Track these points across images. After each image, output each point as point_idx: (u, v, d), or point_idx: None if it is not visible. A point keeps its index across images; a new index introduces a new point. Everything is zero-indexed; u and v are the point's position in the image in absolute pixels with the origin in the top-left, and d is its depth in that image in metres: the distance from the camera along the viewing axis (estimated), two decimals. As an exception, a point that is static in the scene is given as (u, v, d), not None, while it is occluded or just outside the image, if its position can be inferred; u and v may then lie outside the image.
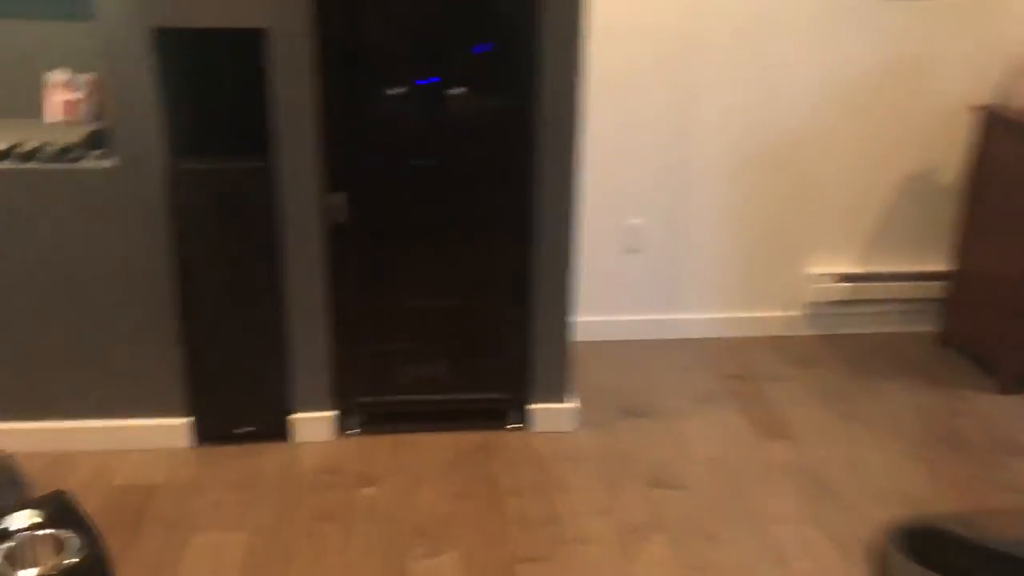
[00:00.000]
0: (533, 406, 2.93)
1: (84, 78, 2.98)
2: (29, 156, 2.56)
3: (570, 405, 2.95)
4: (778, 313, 3.62)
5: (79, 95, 2.98)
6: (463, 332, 2.88)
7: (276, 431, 2.85)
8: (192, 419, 2.81)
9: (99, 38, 2.46)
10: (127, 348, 2.71)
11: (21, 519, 1.37)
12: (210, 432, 2.83)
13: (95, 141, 2.69)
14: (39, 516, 1.38)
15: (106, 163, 2.57)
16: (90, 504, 2.55)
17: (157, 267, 2.64)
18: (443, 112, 2.68)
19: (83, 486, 2.62)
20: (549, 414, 2.94)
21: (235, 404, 2.81)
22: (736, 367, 3.40)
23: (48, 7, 2.92)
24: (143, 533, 2.44)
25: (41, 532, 1.34)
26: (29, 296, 2.63)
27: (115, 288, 2.65)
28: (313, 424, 2.86)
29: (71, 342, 2.69)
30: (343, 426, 2.90)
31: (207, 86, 2.59)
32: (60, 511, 1.40)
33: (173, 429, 2.80)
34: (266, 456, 2.79)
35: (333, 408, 2.87)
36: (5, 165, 2.54)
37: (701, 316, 3.58)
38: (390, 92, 2.64)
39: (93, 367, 2.72)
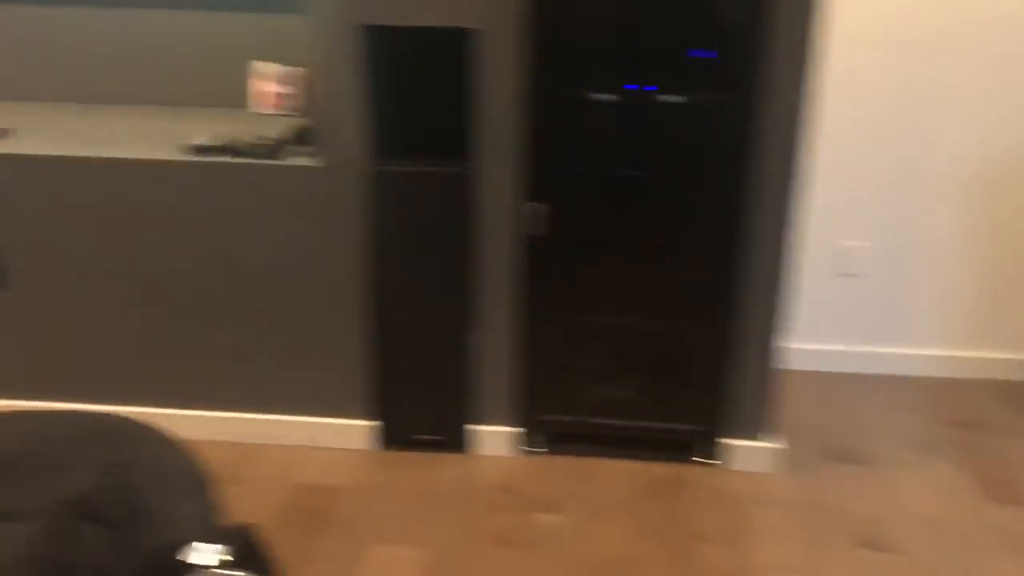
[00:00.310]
0: (729, 441, 2.71)
1: (294, 72, 2.99)
2: (236, 151, 2.58)
3: (770, 444, 2.71)
4: (1012, 355, 3.21)
5: (288, 89, 3.00)
6: (657, 355, 2.70)
7: (457, 441, 2.78)
8: (376, 423, 2.77)
9: (309, 33, 2.43)
10: (318, 347, 2.70)
11: (205, 554, 1.32)
12: (392, 437, 2.78)
13: (300, 137, 2.68)
14: (224, 552, 1.32)
15: (311, 161, 2.55)
16: (273, 500, 2.58)
17: (352, 268, 2.61)
18: (653, 121, 2.49)
19: (268, 480, 2.64)
20: (746, 452, 2.71)
21: (419, 411, 2.75)
22: (960, 414, 3.04)
23: (267, 1, 2.94)
24: (322, 537, 2.42)
25: (224, 573, 1.28)
26: (226, 289, 2.66)
27: (310, 287, 2.64)
28: (495, 438, 2.76)
29: (263, 337, 2.70)
30: (526, 443, 2.79)
31: (409, 86, 2.51)
32: (245, 549, 1.34)
33: (358, 431, 2.77)
34: (446, 467, 2.72)
35: (516, 424, 2.76)
36: (216, 158, 2.56)
37: (922, 352, 3.23)
38: (597, 98, 2.48)
39: (283, 363, 2.73)
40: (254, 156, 2.56)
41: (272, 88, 3.02)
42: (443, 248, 2.57)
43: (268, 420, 2.79)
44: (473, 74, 2.43)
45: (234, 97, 3.01)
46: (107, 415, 1.96)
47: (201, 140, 2.60)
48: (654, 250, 2.59)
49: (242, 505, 2.48)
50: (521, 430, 2.77)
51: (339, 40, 2.40)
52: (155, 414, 2.77)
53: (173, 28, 2.99)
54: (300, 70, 2.97)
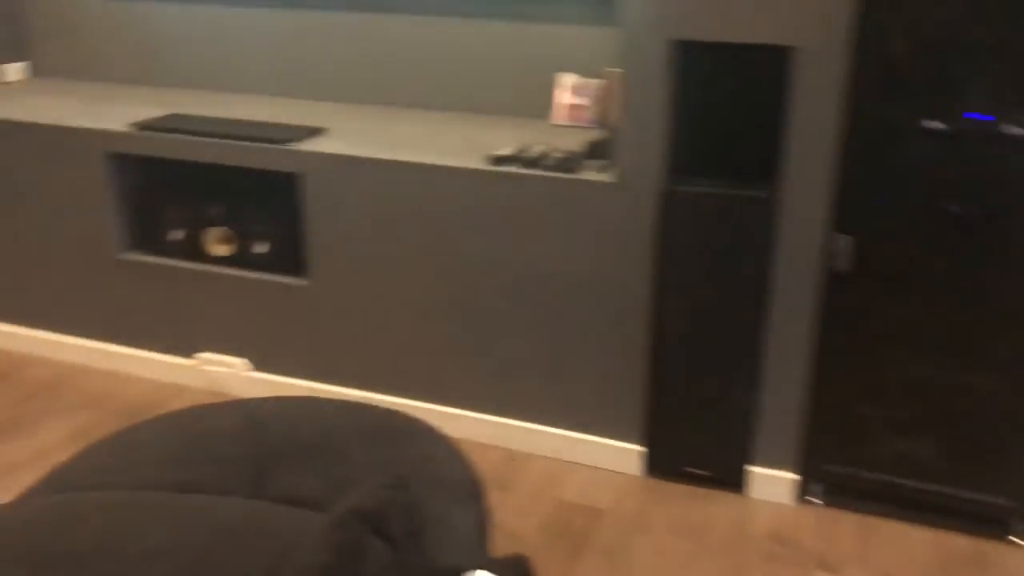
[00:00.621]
0: (1049, 523, 2.37)
1: (593, 83, 2.97)
2: (533, 162, 2.58)
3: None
4: None
5: (586, 100, 2.99)
6: (970, 412, 2.40)
7: (730, 480, 2.63)
8: (646, 448, 2.68)
9: (616, 45, 2.38)
10: (594, 364, 2.65)
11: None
12: (661, 465, 2.68)
13: (595, 150, 2.64)
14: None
15: (605, 176, 2.50)
16: (538, 513, 2.57)
17: (637, 288, 2.53)
18: (993, 154, 2.21)
19: (534, 492, 2.62)
20: (1070, 538, 2.36)
21: (692, 442, 2.63)
22: None
23: (570, 12, 2.95)
24: (583, 560, 2.36)
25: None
26: (510, 296, 2.67)
27: (591, 303, 2.60)
28: (772, 482, 2.58)
29: (541, 347, 2.69)
30: (804, 491, 2.59)
31: (713, 103, 2.40)
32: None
33: (626, 454, 2.70)
34: (716, 506, 2.58)
35: (796, 470, 2.57)
36: (510, 169, 2.57)
37: None
38: (928, 125, 2.24)
39: (556, 375, 2.71)
40: (550, 168, 2.55)
41: (572, 100, 3.01)
42: (736, 276, 2.44)
43: (535, 430, 2.78)
44: (787, 93, 2.28)
45: (536, 107, 3.05)
46: (394, 413, 2.02)
47: (503, 151, 2.63)
48: (978, 294, 2.30)
49: (507, 516, 2.50)
50: (799, 477, 2.57)
51: (645, 53, 2.33)
52: (428, 409, 2.87)
53: (480, 37, 3.07)
54: (600, 82, 2.95)
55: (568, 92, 3.02)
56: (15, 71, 3.61)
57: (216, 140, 2.83)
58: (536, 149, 2.67)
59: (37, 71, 3.69)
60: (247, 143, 2.80)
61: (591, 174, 2.53)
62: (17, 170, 3.14)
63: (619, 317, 2.58)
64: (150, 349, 3.19)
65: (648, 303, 2.54)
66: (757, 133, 2.38)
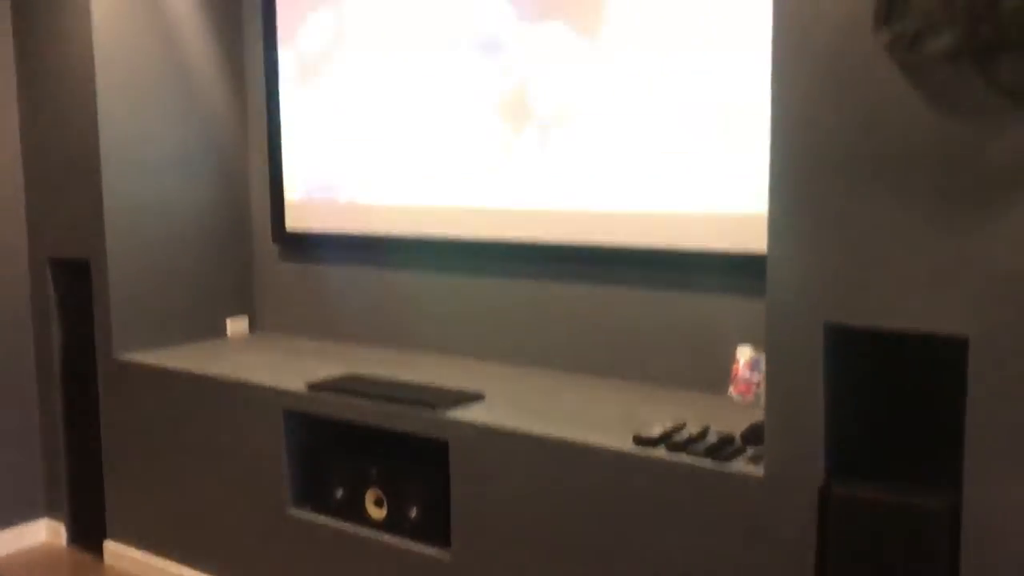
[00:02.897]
0: None
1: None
2: (681, 445, 2.36)
3: None
4: None
5: (758, 377, 2.75)
6: None
7: None
8: None
9: (769, 321, 2.18)
10: None
11: None
12: None
13: (756, 434, 2.38)
14: None
15: (754, 469, 2.22)
16: None
17: (794, 604, 2.16)
18: None
19: None
20: None
21: None
22: None
23: (729, 282, 2.80)
24: None
25: None
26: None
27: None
28: None
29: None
30: None
31: (882, 393, 2.09)
32: None
33: None
34: None
35: None
36: (651, 452, 2.37)
37: None
38: None
39: None
40: (698, 454, 2.32)
41: (744, 374, 2.79)
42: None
43: None
44: (967, 386, 1.94)
45: (711, 380, 2.86)
46: None
47: (653, 430, 2.44)
48: None
49: None
50: None
51: (799, 336, 2.10)
52: None
53: (654, 305, 2.98)
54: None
55: (743, 366, 2.80)
56: (235, 325, 3.96)
57: (376, 403, 2.88)
58: (690, 429, 2.45)
59: (259, 325, 4.03)
60: (402, 406, 2.82)
61: (742, 464, 2.26)
62: (204, 419, 3.36)
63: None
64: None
65: (808, 622, 2.14)
66: (935, 426, 2.03)
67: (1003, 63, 1.79)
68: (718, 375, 2.85)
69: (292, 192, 3.82)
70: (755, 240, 2.44)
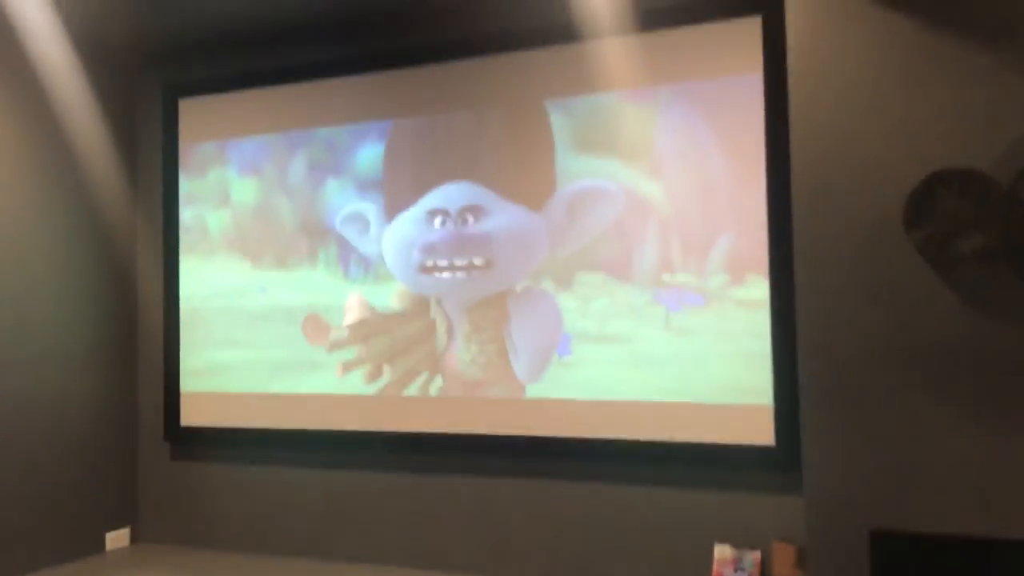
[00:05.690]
0: None
1: (751, 556, 2.72)
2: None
3: None
4: None
5: (744, 575, 2.72)
6: None
7: None
8: None
9: (784, 516, 2.15)
10: None
11: None
12: None
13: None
14: None
15: None
16: None
17: None
18: None
19: None
20: None
21: None
22: None
23: (735, 478, 2.78)
24: None
25: None
26: None
27: None
28: None
29: None
30: None
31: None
32: None
33: None
34: None
35: None
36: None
37: None
38: None
39: None
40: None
41: (727, 572, 2.74)
42: None
43: None
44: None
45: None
46: None
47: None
48: None
49: None
50: None
51: (840, 539, 2.10)
52: None
53: (638, 502, 2.90)
54: (756, 554, 2.70)
55: (724, 564, 2.76)
56: (114, 539, 3.41)
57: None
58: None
59: (141, 536, 3.50)
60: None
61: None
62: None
63: None
64: None
65: None
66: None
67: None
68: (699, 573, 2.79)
69: (188, 382, 3.44)
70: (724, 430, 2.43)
